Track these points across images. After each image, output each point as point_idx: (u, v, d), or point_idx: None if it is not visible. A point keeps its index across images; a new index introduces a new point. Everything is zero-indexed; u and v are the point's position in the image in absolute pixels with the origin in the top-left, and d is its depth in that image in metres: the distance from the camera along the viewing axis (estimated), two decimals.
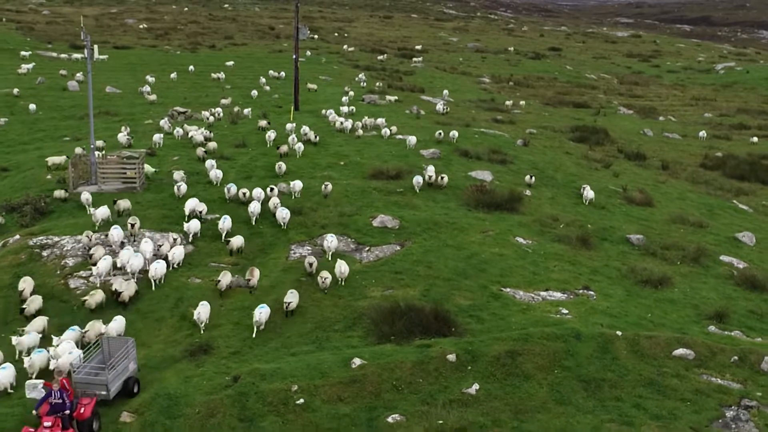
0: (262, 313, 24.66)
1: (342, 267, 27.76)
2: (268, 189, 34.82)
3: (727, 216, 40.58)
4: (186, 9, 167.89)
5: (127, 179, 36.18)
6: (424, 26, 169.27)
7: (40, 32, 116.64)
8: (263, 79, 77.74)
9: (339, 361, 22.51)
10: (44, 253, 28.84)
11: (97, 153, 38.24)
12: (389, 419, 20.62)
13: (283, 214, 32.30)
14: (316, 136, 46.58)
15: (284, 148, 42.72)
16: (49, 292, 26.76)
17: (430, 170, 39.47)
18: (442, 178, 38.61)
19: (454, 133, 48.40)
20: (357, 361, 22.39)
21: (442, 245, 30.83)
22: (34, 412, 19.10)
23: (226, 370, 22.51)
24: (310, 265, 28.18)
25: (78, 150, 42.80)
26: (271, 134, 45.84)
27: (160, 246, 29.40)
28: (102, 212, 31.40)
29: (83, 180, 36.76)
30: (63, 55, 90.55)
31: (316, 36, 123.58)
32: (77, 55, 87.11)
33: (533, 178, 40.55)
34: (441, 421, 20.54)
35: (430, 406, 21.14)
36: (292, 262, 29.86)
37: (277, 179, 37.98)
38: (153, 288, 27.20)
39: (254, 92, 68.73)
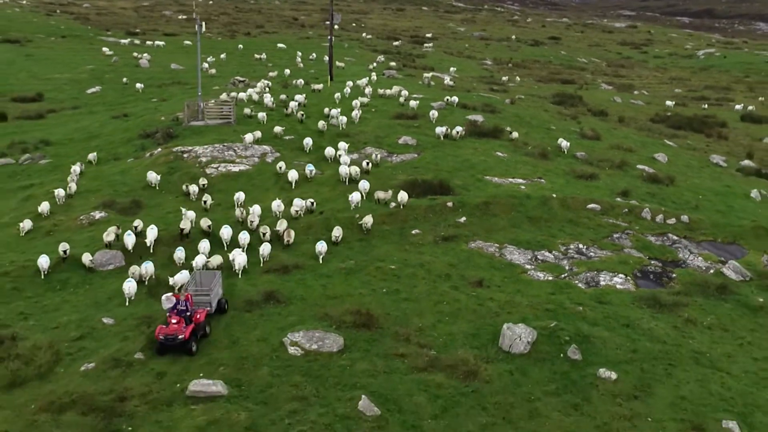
0: (322, 245, 32.52)
1: (367, 219, 35.53)
2: (365, 163, 43.40)
3: (655, 148, 55.10)
4: (211, 2, 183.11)
5: (224, 116, 51.19)
6: (434, 17, 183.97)
7: (95, 22, 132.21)
8: (299, 59, 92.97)
9: (382, 206, 37.43)
10: (185, 155, 43.89)
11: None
12: (413, 232, 35.51)
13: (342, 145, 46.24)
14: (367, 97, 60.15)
15: (292, 107, 55.12)
16: (193, 177, 41.77)
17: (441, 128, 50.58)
18: (458, 132, 49.12)
19: (455, 98, 62.02)
20: (392, 205, 37.33)
21: (445, 155, 45.67)
22: (168, 313, 25.18)
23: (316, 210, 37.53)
24: (367, 163, 41.85)
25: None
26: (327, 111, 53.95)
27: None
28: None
29: (192, 117, 51.68)
30: (148, 42, 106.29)
31: (336, 26, 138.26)
32: (160, 42, 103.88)
33: (528, 146, 53.21)
34: (443, 233, 35.44)
35: (436, 226, 36.04)
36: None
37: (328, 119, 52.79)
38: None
39: (287, 71, 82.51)
